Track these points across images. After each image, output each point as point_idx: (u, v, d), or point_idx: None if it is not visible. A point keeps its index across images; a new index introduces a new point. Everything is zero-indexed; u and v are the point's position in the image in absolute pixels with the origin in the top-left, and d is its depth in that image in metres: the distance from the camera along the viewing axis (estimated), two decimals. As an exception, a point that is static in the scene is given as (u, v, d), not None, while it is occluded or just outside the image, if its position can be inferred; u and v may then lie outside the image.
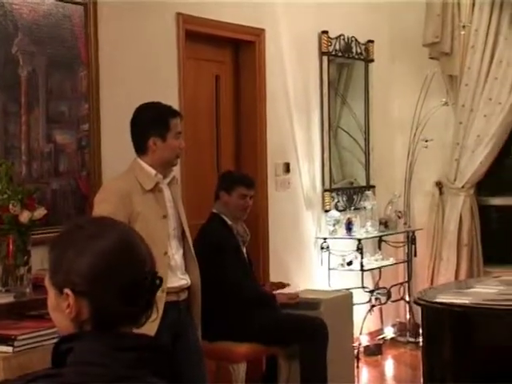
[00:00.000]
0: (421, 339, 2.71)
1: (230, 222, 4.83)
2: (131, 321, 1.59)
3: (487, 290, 2.74)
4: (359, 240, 6.26)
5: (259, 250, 5.72)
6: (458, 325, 2.54)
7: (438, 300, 2.60)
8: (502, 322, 2.49)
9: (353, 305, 5.63)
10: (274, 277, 5.70)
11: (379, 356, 6.59)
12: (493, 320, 2.51)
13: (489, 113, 6.65)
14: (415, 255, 6.90)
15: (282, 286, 5.30)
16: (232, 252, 4.76)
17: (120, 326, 1.57)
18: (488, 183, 6.97)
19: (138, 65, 4.84)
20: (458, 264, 6.80)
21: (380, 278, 6.71)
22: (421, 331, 2.62)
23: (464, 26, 6.69)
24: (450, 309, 2.56)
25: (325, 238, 6.31)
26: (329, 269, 6.30)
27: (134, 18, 4.82)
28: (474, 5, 6.72)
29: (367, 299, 6.43)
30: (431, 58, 6.86)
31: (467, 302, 2.56)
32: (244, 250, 4.94)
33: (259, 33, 5.82)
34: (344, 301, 5.49)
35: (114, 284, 1.56)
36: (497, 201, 7.09)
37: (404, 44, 7.06)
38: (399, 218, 6.83)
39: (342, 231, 6.37)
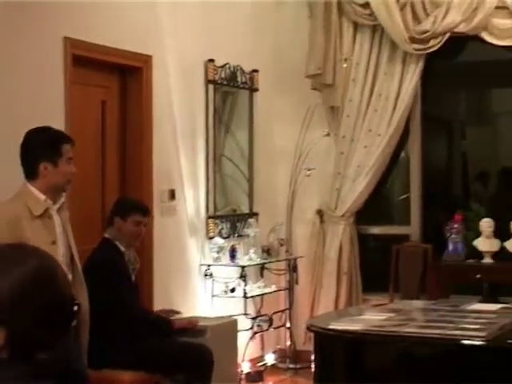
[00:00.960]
0: (312, 365, 2.80)
1: (122, 249, 4.84)
2: (48, 347, 1.60)
3: (376, 317, 2.86)
4: (243, 267, 6.35)
5: (143, 277, 5.71)
6: (350, 350, 2.65)
7: (331, 327, 2.71)
8: (391, 347, 2.61)
9: (237, 332, 5.70)
10: (158, 304, 5.71)
11: (260, 383, 6.67)
12: (382, 345, 2.63)
13: (369, 144, 6.90)
14: (296, 283, 7.05)
15: (175, 312, 5.32)
16: (123, 276, 4.77)
17: (37, 352, 1.58)
18: (367, 212, 7.20)
19: (24, 88, 4.79)
20: (338, 292, 6.99)
21: (262, 305, 6.80)
22: (313, 357, 2.71)
23: (346, 60, 6.95)
24: (342, 335, 2.66)
25: (209, 265, 6.37)
26: (212, 296, 6.36)
27: (20, 41, 4.77)
28: (355, 40, 6.98)
29: (249, 326, 6.51)
30: (314, 89, 7.07)
31: (359, 328, 2.67)
32: (133, 278, 4.94)
33: (146, 59, 5.86)
34: (229, 328, 5.56)
35: (32, 310, 1.56)
36: (375, 229, 7.34)
37: (288, 75, 7.24)
38: (281, 245, 6.97)
39: (225, 258, 6.44)
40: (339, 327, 2.71)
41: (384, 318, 2.85)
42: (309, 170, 6.95)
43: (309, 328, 2.80)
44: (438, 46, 6.70)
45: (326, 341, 2.66)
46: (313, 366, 3.14)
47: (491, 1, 6.46)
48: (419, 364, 2.56)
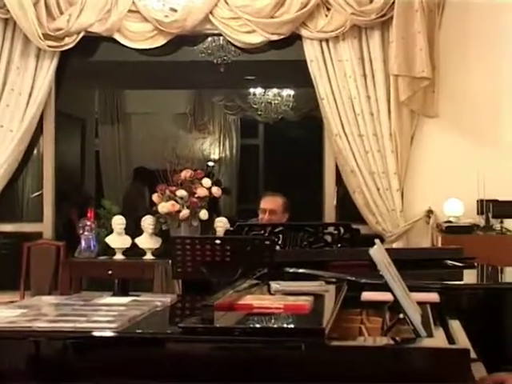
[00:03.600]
0: None
1: None
2: None
3: (8, 314, 2.85)
4: None
5: None
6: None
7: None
8: (24, 343, 2.62)
9: None
10: None
11: None
12: (15, 342, 2.63)
13: (0, 140, 6.77)
14: None
15: None
16: None
17: None
18: (-1, 209, 7.07)
19: None
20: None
21: None
22: None
23: None
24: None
25: None
26: None
27: None
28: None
29: None
30: None
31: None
32: None
33: None
34: None
35: None
36: (7, 227, 7.21)
37: None
38: None
39: None
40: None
41: (17, 314, 2.85)
42: None
43: None
44: (73, 44, 6.75)
45: None
46: None
47: (124, 4, 6.67)
48: (54, 359, 2.61)
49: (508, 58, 6.46)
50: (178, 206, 6.41)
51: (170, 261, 3.71)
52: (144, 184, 10.12)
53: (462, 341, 2.86)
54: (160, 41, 6.80)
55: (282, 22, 6.64)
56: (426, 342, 2.60)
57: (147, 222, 6.61)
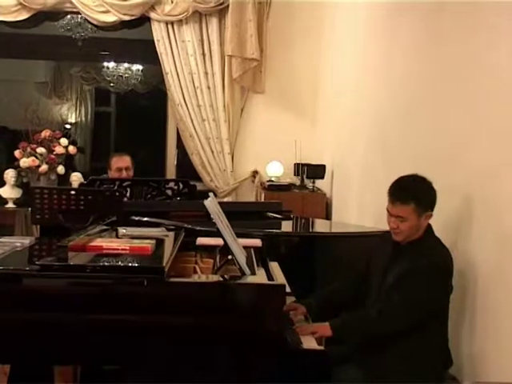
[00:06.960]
0: None
1: None
2: None
3: None
4: None
5: None
6: None
7: None
8: None
9: None
10: None
11: None
12: None
13: None
14: None
15: None
16: None
17: None
18: None
19: None
20: None
21: None
22: None
23: None
24: None
25: None
26: None
27: None
28: None
29: None
30: None
31: None
32: None
33: None
34: None
35: None
36: None
37: None
38: None
39: None
40: None
41: None
42: None
43: None
44: None
45: None
46: None
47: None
48: None
49: (325, 45, 6.58)
50: (37, 162, 6.16)
51: (30, 208, 3.57)
52: (7, 142, 9.70)
53: (280, 278, 2.93)
54: (23, 15, 6.47)
55: (133, 4, 6.47)
56: (250, 279, 2.64)
57: (9, 174, 6.33)
